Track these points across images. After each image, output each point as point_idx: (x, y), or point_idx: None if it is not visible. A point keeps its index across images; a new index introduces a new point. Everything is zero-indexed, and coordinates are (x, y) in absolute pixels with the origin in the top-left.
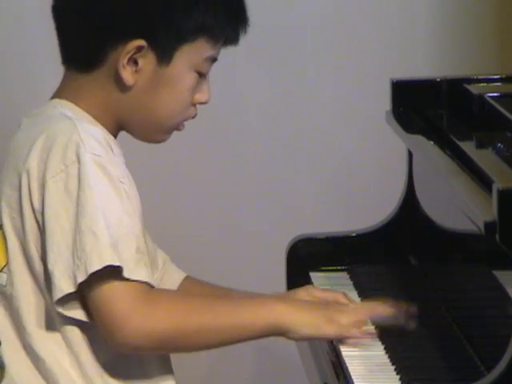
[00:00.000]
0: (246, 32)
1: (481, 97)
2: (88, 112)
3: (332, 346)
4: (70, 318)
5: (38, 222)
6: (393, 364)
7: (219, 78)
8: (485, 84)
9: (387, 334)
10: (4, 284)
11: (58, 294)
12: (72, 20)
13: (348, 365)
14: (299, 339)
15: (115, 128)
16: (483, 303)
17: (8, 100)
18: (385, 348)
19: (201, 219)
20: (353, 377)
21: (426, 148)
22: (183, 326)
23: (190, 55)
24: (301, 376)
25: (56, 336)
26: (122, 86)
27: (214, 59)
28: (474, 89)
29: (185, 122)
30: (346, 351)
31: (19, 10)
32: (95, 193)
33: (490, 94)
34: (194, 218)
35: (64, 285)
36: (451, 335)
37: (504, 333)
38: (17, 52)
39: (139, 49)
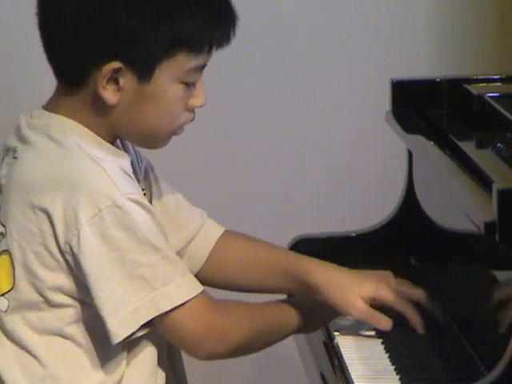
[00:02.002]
0: (235, 31)
1: (480, 97)
2: (89, 128)
3: (332, 346)
4: (77, 344)
5: (67, 260)
6: (393, 364)
7: (220, 78)
8: (485, 84)
9: (387, 334)
10: (4, 310)
11: (117, 338)
12: (54, 41)
13: (348, 365)
14: (315, 329)
15: (112, 138)
16: (483, 303)
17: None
18: (385, 348)
19: None
20: (353, 377)
21: (425, 148)
22: (254, 328)
23: (171, 70)
24: (301, 376)
25: (67, 360)
26: (105, 106)
27: (202, 67)
28: (474, 89)
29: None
30: (346, 352)
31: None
32: (140, 236)
33: (490, 94)
34: None
35: (120, 330)
36: (451, 335)
37: (504, 333)
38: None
39: (116, 70)
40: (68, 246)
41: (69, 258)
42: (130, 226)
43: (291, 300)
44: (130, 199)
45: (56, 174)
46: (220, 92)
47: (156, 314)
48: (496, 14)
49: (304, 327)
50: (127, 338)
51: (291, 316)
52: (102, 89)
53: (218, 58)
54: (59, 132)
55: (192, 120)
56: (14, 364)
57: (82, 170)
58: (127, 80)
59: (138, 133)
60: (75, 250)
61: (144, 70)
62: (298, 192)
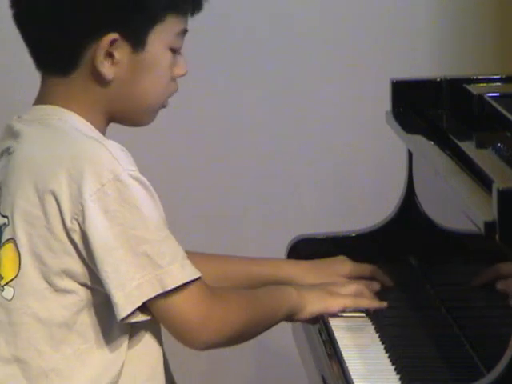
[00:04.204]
0: None
1: (481, 97)
2: (82, 116)
3: (332, 345)
4: (78, 334)
5: (72, 240)
6: (393, 364)
7: (219, 77)
8: (485, 84)
9: (387, 334)
10: (9, 298)
11: (123, 312)
12: (39, 26)
13: (348, 365)
14: (309, 316)
15: (106, 124)
16: (483, 303)
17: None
18: (385, 348)
19: (200, 220)
20: (353, 377)
21: (425, 148)
22: (250, 316)
23: (162, 35)
24: (301, 376)
25: (67, 351)
26: (102, 81)
27: (184, 31)
28: (474, 89)
29: (186, 122)
30: (346, 351)
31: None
32: (144, 212)
33: (490, 94)
34: (193, 219)
35: (126, 304)
36: (451, 335)
37: (504, 333)
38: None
39: (113, 42)
40: (76, 222)
41: (75, 237)
42: (133, 201)
43: (283, 286)
44: (131, 176)
45: (58, 154)
46: (220, 92)
47: (160, 291)
48: (496, 14)
49: (296, 313)
50: (130, 315)
51: (283, 302)
52: (99, 64)
53: (218, 58)
54: (56, 120)
55: (176, 91)
56: (11, 359)
57: (82, 146)
58: (122, 52)
59: (133, 107)
60: (82, 226)
61: (138, 38)
62: (298, 192)
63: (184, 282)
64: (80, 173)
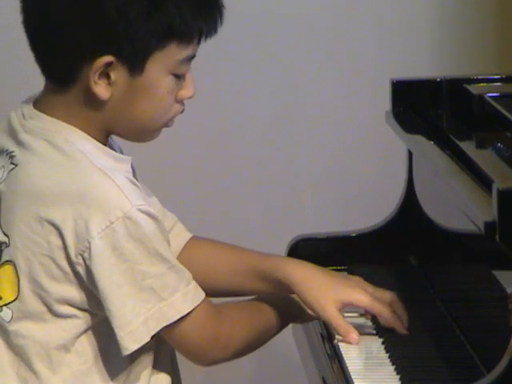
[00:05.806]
0: (222, 20)
1: (481, 97)
2: (82, 130)
3: (332, 345)
4: (77, 355)
5: (77, 271)
6: (393, 364)
7: (219, 77)
8: (485, 84)
9: (387, 334)
10: (8, 320)
11: (125, 351)
12: (39, 37)
13: (348, 365)
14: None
15: (106, 136)
16: (483, 303)
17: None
18: (385, 348)
19: (200, 219)
20: (353, 376)
21: (425, 148)
22: (254, 329)
23: (162, 62)
24: (301, 375)
25: (65, 373)
26: (98, 100)
27: (191, 57)
28: (474, 89)
29: (185, 122)
30: (346, 351)
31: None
32: (150, 247)
33: (490, 94)
34: (193, 218)
35: (131, 343)
36: (451, 335)
37: (504, 333)
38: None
39: (108, 64)
40: (80, 257)
41: (80, 269)
42: (140, 237)
43: (277, 295)
44: (140, 210)
45: (65, 186)
46: (219, 92)
47: (164, 324)
48: (496, 14)
49: (292, 321)
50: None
51: (282, 312)
52: (93, 84)
53: (217, 58)
54: (62, 140)
55: (182, 111)
56: (15, 377)
57: (91, 182)
58: (119, 74)
59: (131, 127)
60: (87, 261)
61: (135, 63)
62: (298, 192)
63: (186, 312)
64: (87, 210)
